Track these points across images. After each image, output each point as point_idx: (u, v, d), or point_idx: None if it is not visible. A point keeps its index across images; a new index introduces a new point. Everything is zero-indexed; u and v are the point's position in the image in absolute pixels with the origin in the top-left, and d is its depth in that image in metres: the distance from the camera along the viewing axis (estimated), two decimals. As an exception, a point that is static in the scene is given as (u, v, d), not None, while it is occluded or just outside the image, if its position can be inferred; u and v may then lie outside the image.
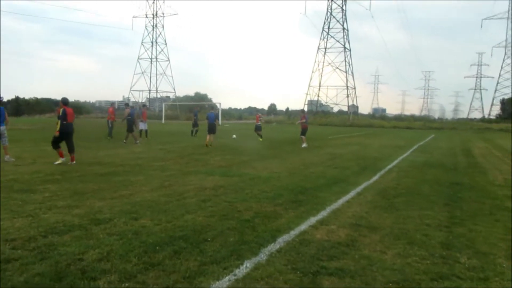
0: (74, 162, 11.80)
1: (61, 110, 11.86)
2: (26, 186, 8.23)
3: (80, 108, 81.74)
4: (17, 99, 72.74)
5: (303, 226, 5.90)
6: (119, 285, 3.75)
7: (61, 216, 6.04)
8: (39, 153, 14.34)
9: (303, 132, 20.97)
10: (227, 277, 4.00)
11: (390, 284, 3.95)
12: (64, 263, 4.24)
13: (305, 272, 4.19)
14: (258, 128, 25.49)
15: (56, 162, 11.68)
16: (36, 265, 4.16)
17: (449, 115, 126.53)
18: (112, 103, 24.62)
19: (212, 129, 19.35)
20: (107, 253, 4.56)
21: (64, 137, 11.92)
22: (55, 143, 11.91)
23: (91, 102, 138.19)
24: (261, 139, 24.50)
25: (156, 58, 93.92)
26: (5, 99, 79.19)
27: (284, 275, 4.11)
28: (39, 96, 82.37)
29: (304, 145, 20.44)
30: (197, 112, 28.08)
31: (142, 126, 23.18)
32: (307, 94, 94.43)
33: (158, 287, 3.74)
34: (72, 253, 4.52)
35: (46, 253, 4.51)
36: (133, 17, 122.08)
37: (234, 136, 26.34)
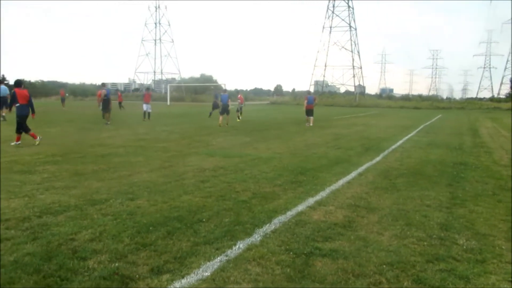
0: (19, 142, 11.69)
1: (12, 92, 11.84)
2: (26, 167, 8.23)
3: (85, 90, 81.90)
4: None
5: (300, 207, 5.83)
6: (108, 265, 3.71)
7: (58, 197, 6.02)
8: (42, 135, 14.31)
9: (307, 113, 21.97)
10: (218, 258, 3.95)
11: (384, 266, 3.88)
12: (55, 243, 4.22)
13: (298, 253, 4.13)
14: (238, 109, 25.51)
15: (36, 144, 11.71)
16: (28, 245, 4.14)
17: (457, 95, 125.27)
18: (102, 84, 24.81)
19: (225, 110, 20.26)
20: (99, 233, 4.53)
21: (21, 119, 11.77)
22: (21, 127, 11.80)
23: (97, 84, 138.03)
24: (238, 120, 24.49)
25: (160, 40, 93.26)
26: (11, 82, 79.68)
27: (276, 256, 4.05)
28: (45, 79, 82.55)
29: (307, 124, 21.59)
30: (218, 94, 27.73)
31: (145, 107, 23.56)
32: (312, 74, 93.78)
33: (148, 267, 3.70)
34: (65, 233, 4.49)
35: (39, 233, 4.49)
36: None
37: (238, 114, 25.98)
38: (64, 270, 3.59)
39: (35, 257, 3.83)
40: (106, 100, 20.28)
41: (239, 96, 27.15)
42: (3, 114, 21.23)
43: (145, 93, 24.93)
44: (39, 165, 8.50)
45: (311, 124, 21.39)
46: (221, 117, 20.14)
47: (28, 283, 3.35)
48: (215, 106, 26.03)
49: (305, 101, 22.38)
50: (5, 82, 33.37)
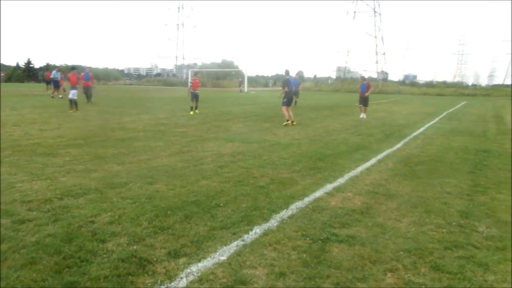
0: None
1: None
2: (48, 150, 8.40)
3: (108, 74, 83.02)
4: (47, 66, 74.04)
5: (318, 193, 5.81)
6: (127, 248, 3.78)
7: (79, 180, 6.13)
8: (65, 118, 14.60)
9: (360, 101, 19.16)
10: (235, 242, 3.97)
11: (401, 252, 3.84)
12: (76, 225, 4.31)
13: (314, 239, 4.13)
14: (195, 96, 18.73)
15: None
16: (49, 226, 4.25)
17: (483, 81, 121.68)
18: (75, 67, 23.70)
19: (291, 100, 15.38)
20: (118, 216, 4.60)
21: None
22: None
23: (119, 69, 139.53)
24: (192, 112, 18.23)
25: (183, 24, 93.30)
26: (36, 66, 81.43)
27: (293, 241, 4.06)
28: (69, 63, 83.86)
29: (362, 115, 18.67)
30: (287, 80, 18.83)
31: (71, 94, 17.50)
32: (334, 60, 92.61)
33: (166, 251, 3.75)
34: (85, 216, 4.58)
35: (60, 215, 4.59)
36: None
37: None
38: (84, 252, 3.68)
39: (56, 238, 3.93)
40: None
41: (195, 79, 19.94)
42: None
43: (69, 74, 18.84)
44: (62, 148, 8.66)
45: (364, 116, 18.47)
46: (285, 109, 15.06)
47: (49, 263, 3.44)
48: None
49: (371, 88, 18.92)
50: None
